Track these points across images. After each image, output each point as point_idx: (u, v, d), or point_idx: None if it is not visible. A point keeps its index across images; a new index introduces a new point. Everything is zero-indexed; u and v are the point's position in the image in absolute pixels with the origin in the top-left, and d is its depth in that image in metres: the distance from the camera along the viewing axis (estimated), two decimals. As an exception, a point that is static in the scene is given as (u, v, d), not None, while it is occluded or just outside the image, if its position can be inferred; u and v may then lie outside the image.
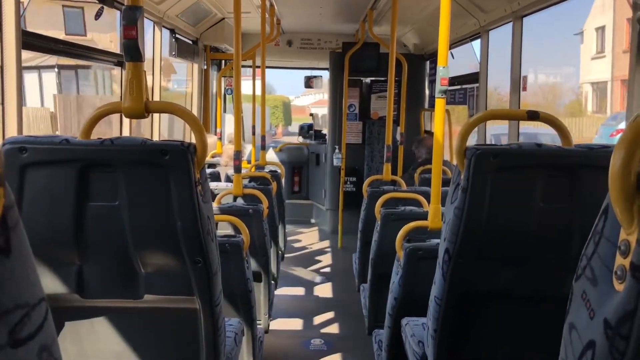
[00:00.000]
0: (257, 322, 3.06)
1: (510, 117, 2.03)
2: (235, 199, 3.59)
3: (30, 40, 2.83)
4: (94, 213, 1.51)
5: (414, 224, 2.68)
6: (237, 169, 3.52)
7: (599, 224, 0.80)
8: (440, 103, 2.60)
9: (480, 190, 1.61)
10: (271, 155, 7.43)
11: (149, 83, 4.88)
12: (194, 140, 1.59)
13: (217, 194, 3.53)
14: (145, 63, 1.65)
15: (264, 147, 5.22)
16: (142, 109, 1.62)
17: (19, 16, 2.61)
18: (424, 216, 2.93)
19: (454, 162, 2.04)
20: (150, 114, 1.70)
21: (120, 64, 4.11)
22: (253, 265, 2.99)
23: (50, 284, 1.58)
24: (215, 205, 3.28)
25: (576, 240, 1.61)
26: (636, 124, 0.72)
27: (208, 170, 4.67)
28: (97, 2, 3.67)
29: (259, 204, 3.31)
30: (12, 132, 2.61)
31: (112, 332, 1.70)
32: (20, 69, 2.60)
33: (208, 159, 5.14)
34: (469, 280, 1.72)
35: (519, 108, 4.01)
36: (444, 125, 2.62)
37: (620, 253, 0.73)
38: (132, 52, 1.60)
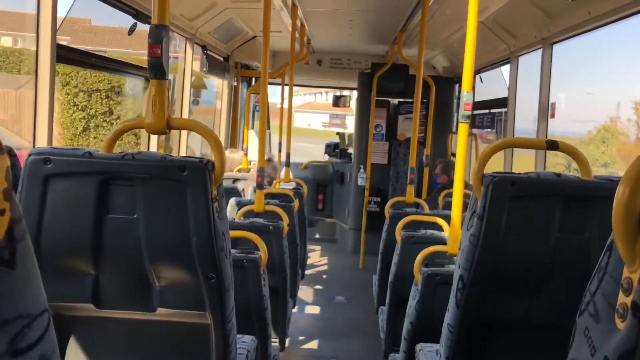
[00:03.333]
0: (273, 339, 3.06)
1: (528, 146, 2.01)
2: (257, 215, 3.60)
3: (64, 54, 2.92)
4: (112, 225, 1.54)
5: (432, 249, 2.66)
6: (260, 186, 3.54)
7: (604, 260, 0.79)
8: (463, 128, 2.59)
9: (497, 218, 1.60)
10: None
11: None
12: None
13: (240, 209, 3.55)
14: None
15: (288, 164, 5.24)
16: (163, 125, 1.65)
17: (55, 31, 2.70)
18: (444, 240, 2.90)
19: None
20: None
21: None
22: (271, 282, 3.00)
23: (67, 292, 1.61)
24: (236, 220, 3.31)
25: (592, 273, 1.58)
26: None
27: (233, 185, 4.71)
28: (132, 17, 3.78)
29: (279, 221, 3.32)
30: (42, 142, 2.69)
31: (125, 343, 1.72)
32: (54, 82, 2.69)
33: (233, 174, 5.20)
34: (483, 309, 1.69)
35: (546, 136, 3.96)
36: (466, 149, 2.61)
37: (623, 291, 0.72)
38: (156, 70, 1.64)
